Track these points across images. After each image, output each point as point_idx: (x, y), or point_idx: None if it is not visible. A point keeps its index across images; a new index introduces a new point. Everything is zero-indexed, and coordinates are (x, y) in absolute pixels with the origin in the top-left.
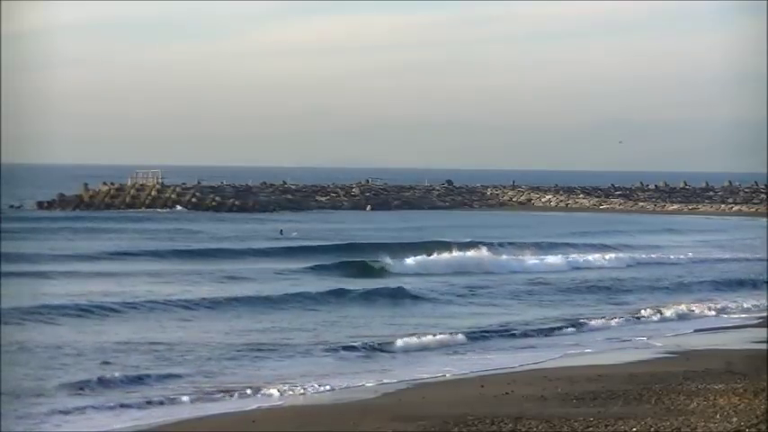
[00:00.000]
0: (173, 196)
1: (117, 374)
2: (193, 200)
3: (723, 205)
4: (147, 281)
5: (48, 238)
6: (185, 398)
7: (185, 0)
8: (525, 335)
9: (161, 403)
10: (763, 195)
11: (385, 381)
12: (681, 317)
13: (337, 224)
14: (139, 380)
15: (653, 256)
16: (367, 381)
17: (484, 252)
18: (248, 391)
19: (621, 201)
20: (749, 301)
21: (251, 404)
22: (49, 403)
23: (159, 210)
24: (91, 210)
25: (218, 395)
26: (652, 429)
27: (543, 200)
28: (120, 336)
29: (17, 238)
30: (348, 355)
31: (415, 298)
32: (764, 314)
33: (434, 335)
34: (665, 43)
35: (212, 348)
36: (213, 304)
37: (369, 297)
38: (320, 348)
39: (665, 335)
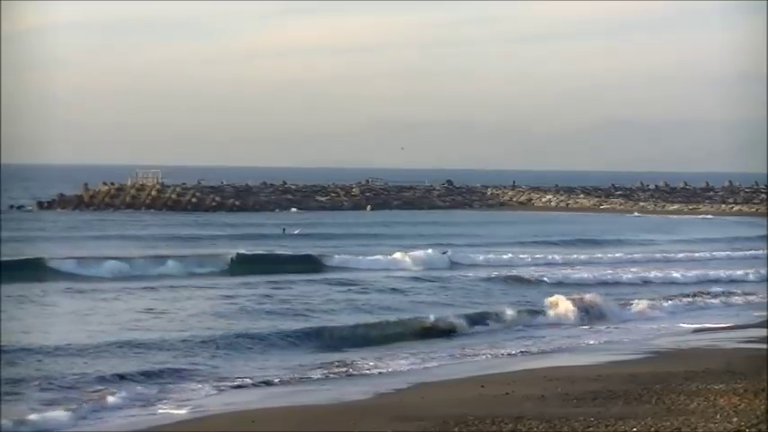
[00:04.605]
0: (173, 196)
1: None
2: (193, 200)
3: (723, 205)
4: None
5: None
6: None
7: (186, 0)
8: None
9: None
10: (764, 195)
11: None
12: None
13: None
14: None
15: None
16: None
17: None
18: None
19: (621, 201)
20: None
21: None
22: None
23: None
24: (91, 210)
25: None
26: (652, 429)
27: (543, 200)
28: None
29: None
30: None
31: None
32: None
33: None
34: (665, 43)
35: None
36: None
37: None
38: None
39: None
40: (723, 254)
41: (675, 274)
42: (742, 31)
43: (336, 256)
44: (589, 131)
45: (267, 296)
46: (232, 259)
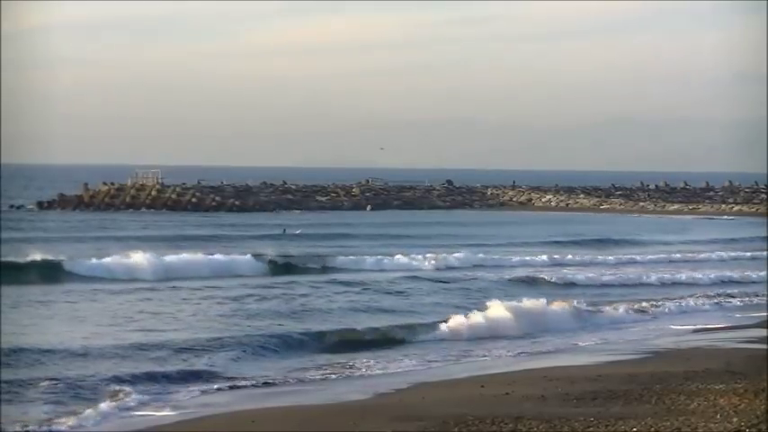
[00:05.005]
0: (173, 196)
1: None
2: (193, 200)
3: (723, 205)
4: None
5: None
6: None
7: (186, 0)
8: None
9: None
10: (763, 195)
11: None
12: None
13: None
14: None
15: None
16: None
17: None
18: None
19: (622, 201)
20: None
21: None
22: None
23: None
24: (91, 210)
25: None
26: (652, 429)
27: (543, 200)
28: None
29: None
30: None
31: None
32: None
33: None
34: (664, 43)
35: None
36: None
37: None
38: None
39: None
40: (723, 254)
41: (677, 275)
42: (742, 32)
43: (340, 257)
44: (590, 128)
45: (267, 297)
46: (269, 261)
